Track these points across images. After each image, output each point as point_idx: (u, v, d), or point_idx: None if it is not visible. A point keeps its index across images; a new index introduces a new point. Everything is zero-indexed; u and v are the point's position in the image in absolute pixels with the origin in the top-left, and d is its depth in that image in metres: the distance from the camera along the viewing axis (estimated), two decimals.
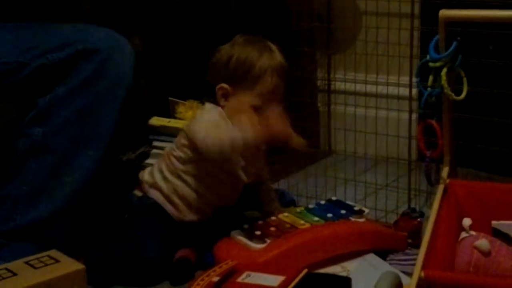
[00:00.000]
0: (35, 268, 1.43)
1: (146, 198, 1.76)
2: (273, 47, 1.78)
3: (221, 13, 2.36)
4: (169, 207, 1.74)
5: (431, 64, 1.54)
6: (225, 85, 1.74)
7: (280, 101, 1.77)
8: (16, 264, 1.45)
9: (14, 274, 1.40)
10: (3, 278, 1.39)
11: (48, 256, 1.47)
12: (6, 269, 1.42)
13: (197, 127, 1.70)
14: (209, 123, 1.70)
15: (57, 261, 1.45)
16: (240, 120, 1.67)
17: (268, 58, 1.75)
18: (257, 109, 1.74)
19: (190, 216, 1.75)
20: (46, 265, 1.44)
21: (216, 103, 1.76)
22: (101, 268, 1.64)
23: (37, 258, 1.46)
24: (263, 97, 1.74)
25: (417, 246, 1.53)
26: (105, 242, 1.73)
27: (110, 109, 1.72)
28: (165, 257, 1.67)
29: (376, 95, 2.44)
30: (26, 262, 1.45)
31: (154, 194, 1.75)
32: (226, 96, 1.75)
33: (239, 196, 1.82)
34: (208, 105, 1.77)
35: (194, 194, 1.74)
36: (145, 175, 1.80)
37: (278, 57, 1.77)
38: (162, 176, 1.76)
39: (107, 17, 1.92)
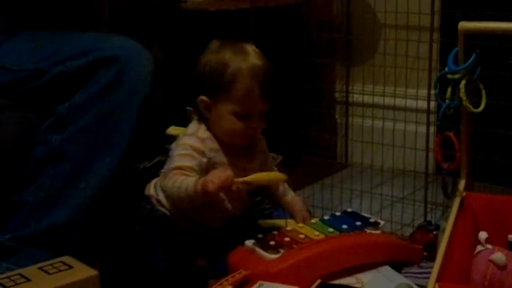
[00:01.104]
0: (49, 274, 1.43)
1: (156, 209, 1.75)
2: (249, 49, 1.71)
3: (240, 25, 2.37)
4: (176, 218, 1.73)
5: (449, 76, 1.53)
6: (204, 98, 1.70)
7: (263, 105, 1.70)
8: (30, 270, 1.45)
9: (28, 280, 1.40)
10: (17, 284, 1.39)
11: (62, 262, 1.47)
12: (20, 274, 1.42)
13: (165, 180, 1.66)
14: (178, 165, 1.65)
15: (70, 267, 1.45)
16: (209, 174, 1.60)
17: (240, 61, 1.67)
18: (241, 117, 1.68)
19: (196, 228, 1.74)
20: (60, 271, 1.44)
21: (203, 116, 1.73)
22: (112, 276, 1.64)
23: (51, 264, 1.46)
24: (242, 103, 1.67)
25: (432, 259, 1.52)
26: (117, 251, 1.73)
27: (128, 117, 1.72)
28: (176, 266, 1.66)
29: (394, 108, 2.43)
30: (40, 268, 1.45)
31: (160, 208, 1.74)
32: (208, 108, 1.71)
33: (246, 203, 1.80)
34: (191, 125, 1.74)
35: (192, 211, 1.71)
36: (150, 188, 1.78)
37: (252, 58, 1.69)
38: (163, 192, 1.74)
39: (126, 26, 1.93)
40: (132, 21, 2.00)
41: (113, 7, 1.94)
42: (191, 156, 1.67)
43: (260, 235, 1.68)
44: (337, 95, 2.71)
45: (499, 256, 1.45)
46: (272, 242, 1.63)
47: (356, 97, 2.63)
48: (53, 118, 1.71)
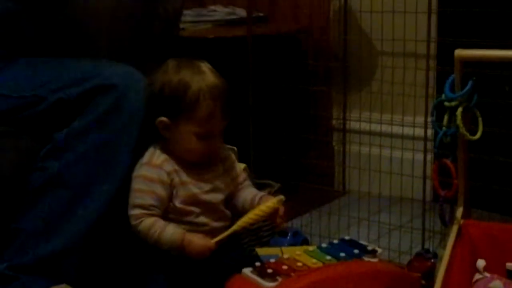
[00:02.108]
0: None
1: None
2: (204, 68, 1.71)
3: (237, 52, 2.38)
4: None
5: (446, 103, 1.53)
6: (163, 119, 1.69)
7: (223, 123, 1.71)
8: None
9: None
10: None
11: None
12: None
13: (133, 219, 1.66)
14: (137, 195, 1.67)
15: None
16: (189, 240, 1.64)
17: (200, 81, 1.67)
18: (202, 137, 1.69)
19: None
20: None
21: (159, 138, 1.72)
22: None
23: None
24: (204, 124, 1.68)
25: (430, 287, 1.51)
26: (113, 279, 1.72)
27: (126, 144, 1.72)
28: None
29: (391, 135, 2.44)
30: None
31: None
32: (167, 128, 1.70)
33: (225, 214, 1.76)
34: (146, 153, 1.72)
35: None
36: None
37: (210, 77, 1.69)
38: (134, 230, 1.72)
39: (125, 53, 1.94)
40: (131, 49, 2.01)
41: (112, 34, 1.95)
42: (149, 191, 1.67)
43: (257, 263, 1.67)
44: (334, 122, 2.72)
45: (497, 284, 1.44)
46: (269, 270, 1.62)
47: (353, 124, 2.64)
48: (51, 145, 1.71)
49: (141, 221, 1.65)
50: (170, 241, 1.65)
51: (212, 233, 1.72)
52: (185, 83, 1.67)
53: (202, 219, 1.72)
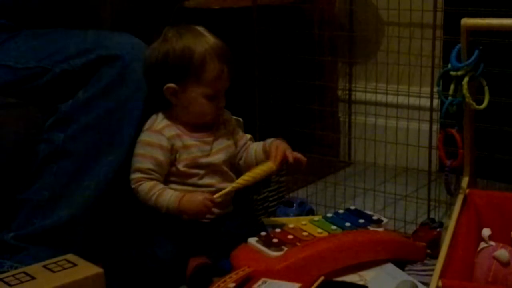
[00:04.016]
0: (53, 272, 1.43)
1: None
2: (203, 31, 1.75)
3: (243, 23, 2.37)
4: None
5: (452, 72, 1.53)
6: (171, 85, 1.72)
7: (228, 82, 1.76)
8: (34, 268, 1.45)
9: (33, 278, 1.41)
10: (22, 282, 1.39)
11: (66, 260, 1.47)
12: (24, 272, 1.43)
13: (134, 182, 1.72)
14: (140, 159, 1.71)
15: (74, 265, 1.45)
16: (188, 198, 1.68)
17: (203, 44, 1.71)
18: (211, 98, 1.73)
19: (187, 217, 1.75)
20: (64, 269, 1.44)
21: (165, 104, 1.75)
22: (117, 273, 1.64)
23: (55, 262, 1.46)
24: (212, 85, 1.72)
25: (436, 256, 1.52)
26: (121, 247, 1.73)
27: (131, 115, 1.73)
28: (180, 259, 1.67)
29: (397, 105, 2.43)
30: (44, 266, 1.45)
31: None
32: (175, 94, 1.73)
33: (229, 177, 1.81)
34: (150, 119, 1.76)
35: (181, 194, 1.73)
36: None
37: (212, 39, 1.73)
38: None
39: (129, 24, 1.93)
40: (135, 19, 2.00)
41: (115, 5, 1.94)
42: (149, 156, 1.71)
43: (263, 233, 1.68)
44: (339, 93, 2.70)
45: (502, 252, 1.45)
46: (275, 240, 1.63)
47: (359, 95, 2.63)
48: (56, 116, 1.72)
49: (140, 184, 1.70)
50: (168, 202, 1.69)
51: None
52: (190, 47, 1.71)
53: (206, 180, 1.75)
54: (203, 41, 1.72)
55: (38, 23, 1.82)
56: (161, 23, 2.03)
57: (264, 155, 1.82)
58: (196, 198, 1.68)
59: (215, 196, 1.70)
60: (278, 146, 1.79)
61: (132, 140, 1.74)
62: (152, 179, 1.71)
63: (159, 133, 1.73)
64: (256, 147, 1.85)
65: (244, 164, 1.84)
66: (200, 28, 1.76)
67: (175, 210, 1.69)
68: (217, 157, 1.77)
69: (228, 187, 1.73)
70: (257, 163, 1.80)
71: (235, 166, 1.84)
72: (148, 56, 1.73)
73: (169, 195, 1.69)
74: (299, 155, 1.80)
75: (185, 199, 1.68)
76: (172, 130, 1.75)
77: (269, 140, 1.83)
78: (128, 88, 1.71)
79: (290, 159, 1.78)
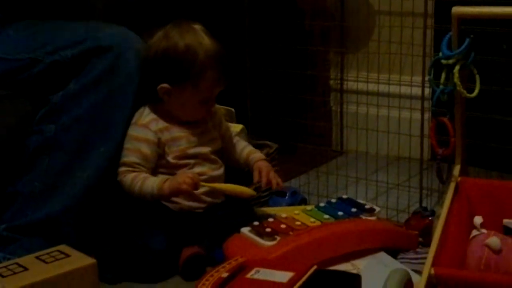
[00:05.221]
0: (46, 263, 1.43)
1: None
2: (203, 33, 1.75)
3: (234, 12, 2.36)
4: None
5: (443, 61, 1.53)
6: (166, 86, 1.74)
7: (222, 88, 1.78)
8: (27, 259, 1.45)
9: (25, 269, 1.41)
10: (15, 273, 1.39)
11: (59, 251, 1.47)
12: (17, 264, 1.43)
13: (120, 175, 1.74)
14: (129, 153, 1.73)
15: (67, 255, 1.45)
16: (175, 179, 1.70)
17: (205, 50, 1.72)
18: (203, 102, 1.76)
19: (184, 202, 1.75)
20: (57, 259, 1.44)
21: (155, 96, 1.76)
22: (109, 264, 1.65)
23: (48, 253, 1.46)
24: (208, 90, 1.74)
25: (428, 245, 1.52)
26: (113, 238, 1.74)
27: (122, 106, 1.73)
28: (173, 249, 1.67)
29: (389, 95, 2.43)
30: (37, 257, 1.45)
31: None
32: (168, 94, 1.75)
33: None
34: (137, 113, 1.76)
35: None
36: None
37: (213, 44, 1.74)
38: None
39: (120, 15, 1.93)
40: (126, 10, 1.99)
41: None
42: (134, 150, 1.73)
43: (256, 222, 1.68)
44: (331, 82, 2.70)
45: (494, 240, 1.45)
46: (268, 229, 1.63)
47: (351, 85, 2.63)
48: (48, 107, 1.71)
49: (124, 176, 1.73)
50: (152, 187, 1.70)
51: (211, 182, 1.78)
52: (191, 52, 1.71)
53: (197, 169, 1.78)
54: (205, 46, 1.72)
55: (29, 14, 1.81)
56: (153, 14, 2.02)
57: (244, 165, 1.89)
58: (179, 175, 1.71)
59: (201, 178, 1.72)
60: (261, 170, 1.83)
61: (124, 131, 1.74)
62: (136, 172, 1.73)
63: (145, 127, 1.74)
64: (241, 152, 1.90)
65: (228, 161, 1.88)
66: (200, 29, 1.76)
67: (160, 192, 1.70)
68: (204, 149, 1.79)
69: (215, 184, 1.77)
70: (239, 167, 1.89)
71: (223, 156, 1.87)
72: (147, 50, 1.73)
73: (152, 180, 1.71)
74: (279, 180, 1.85)
75: (169, 180, 1.70)
76: (160, 123, 1.76)
77: (252, 157, 1.88)
78: (120, 80, 1.71)
79: (274, 186, 1.84)
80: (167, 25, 1.77)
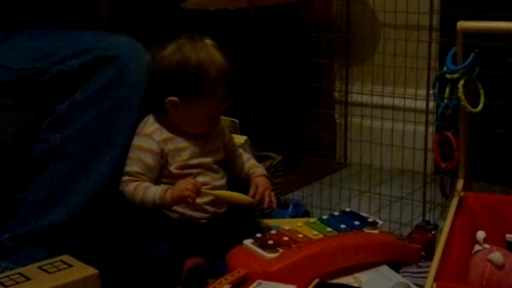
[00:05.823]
0: (48, 273, 1.43)
1: None
2: (215, 50, 1.74)
3: (240, 24, 2.37)
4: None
5: (448, 75, 1.53)
6: (174, 99, 1.73)
7: (228, 104, 1.78)
8: (30, 269, 1.45)
9: (28, 279, 1.40)
10: (17, 283, 1.39)
11: (61, 261, 1.47)
12: (20, 273, 1.42)
13: (122, 184, 1.73)
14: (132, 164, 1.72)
15: (70, 266, 1.45)
16: (177, 187, 1.70)
17: (217, 67, 1.71)
18: (210, 117, 1.76)
19: (188, 212, 1.76)
20: (60, 270, 1.44)
21: (161, 106, 1.76)
22: (112, 275, 1.65)
23: (51, 263, 1.46)
24: (215, 107, 1.75)
25: (430, 259, 1.51)
26: (116, 248, 1.74)
27: (127, 116, 1.73)
28: (175, 259, 1.67)
29: (393, 108, 2.43)
30: (40, 267, 1.45)
31: None
32: (176, 106, 1.74)
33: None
34: (142, 123, 1.76)
35: None
36: None
37: (223, 61, 1.73)
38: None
39: (126, 25, 1.93)
40: (132, 20, 2.00)
41: (113, 6, 1.94)
42: (137, 160, 1.73)
43: (258, 235, 1.68)
44: (336, 95, 2.71)
45: (497, 255, 1.45)
46: (270, 241, 1.63)
47: (355, 97, 2.64)
48: (53, 117, 1.71)
49: (127, 185, 1.72)
50: (154, 196, 1.70)
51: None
52: (206, 67, 1.71)
53: (200, 179, 1.76)
54: (217, 63, 1.72)
55: (35, 24, 1.81)
56: (159, 25, 2.03)
57: (245, 178, 1.88)
58: (181, 183, 1.70)
59: (203, 187, 1.72)
60: (258, 186, 1.83)
61: (129, 141, 1.74)
62: (138, 181, 1.73)
63: (148, 137, 1.74)
64: (243, 165, 1.89)
65: (231, 172, 1.88)
66: (212, 45, 1.75)
67: (162, 201, 1.70)
68: (208, 158, 1.79)
69: (216, 192, 1.76)
70: (241, 178, 1.88)
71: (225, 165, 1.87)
72: (158, 62, 1.74)
73: (154, 189, 1.71)
74: (273, 199, 1.83)
75: (170, 189, 1.70)
76: (164, 133, 1.76)
77: (253, 171, 1.88)
78: (125, 89, 1.71)
79: (266, 204, 1.83)
80: (180, 38, 1.76)
